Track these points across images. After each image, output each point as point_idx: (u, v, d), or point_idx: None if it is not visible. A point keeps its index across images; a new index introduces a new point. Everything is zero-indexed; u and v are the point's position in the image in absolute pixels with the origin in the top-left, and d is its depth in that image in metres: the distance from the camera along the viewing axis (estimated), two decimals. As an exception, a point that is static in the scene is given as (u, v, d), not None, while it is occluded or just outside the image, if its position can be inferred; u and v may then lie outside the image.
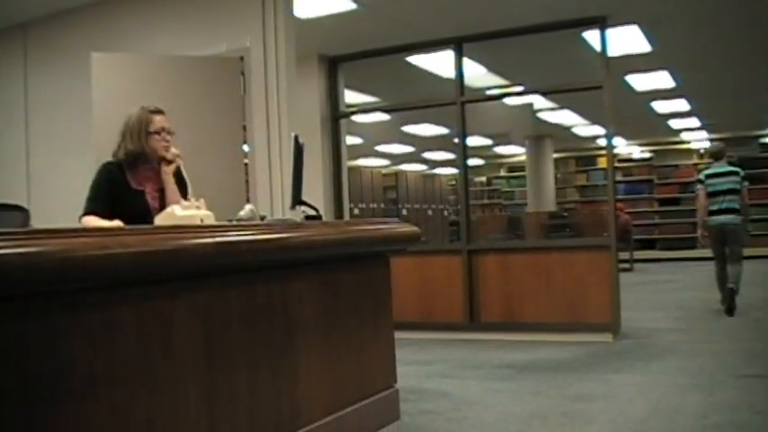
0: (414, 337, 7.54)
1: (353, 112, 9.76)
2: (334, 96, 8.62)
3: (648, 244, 18.40)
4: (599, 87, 7.38)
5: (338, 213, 8.54)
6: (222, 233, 2.99)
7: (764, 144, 18.04)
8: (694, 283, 12.64)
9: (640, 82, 10.78)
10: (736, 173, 8.78)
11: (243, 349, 3.15)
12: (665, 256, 18.08)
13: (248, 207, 3.77)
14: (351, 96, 9.96)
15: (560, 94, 11.47)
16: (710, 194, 8.77)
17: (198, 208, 3.51)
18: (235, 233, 3.05)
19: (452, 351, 7.02)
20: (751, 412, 4.36)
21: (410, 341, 7.29)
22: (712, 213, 8.79)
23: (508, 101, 11.53)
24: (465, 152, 8.14)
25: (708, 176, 8.86)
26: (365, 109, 10.92)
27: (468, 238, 7.97)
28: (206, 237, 2.88)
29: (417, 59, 8.82)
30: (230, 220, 3.53)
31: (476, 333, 7.63)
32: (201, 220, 3.38)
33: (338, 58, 8.58)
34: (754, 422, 4.17)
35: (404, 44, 8.20)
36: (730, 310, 8.47)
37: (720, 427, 4.08)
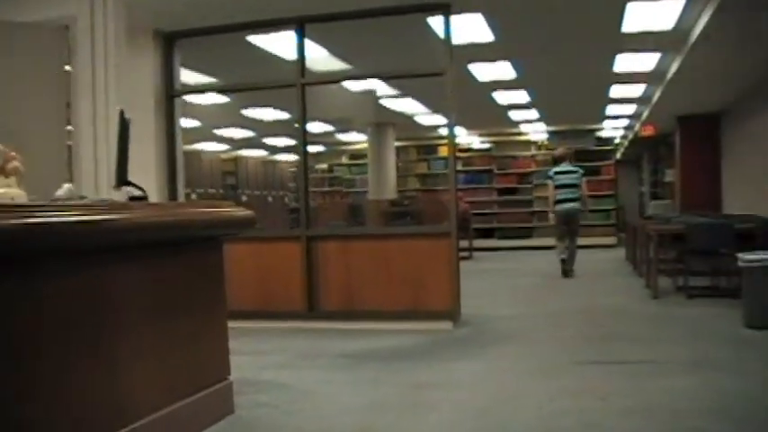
0: (252, 327, 7.34)
1: (189, 92, 9.42)
2: (169, 74, 8.25)
3: (488, 233, 18.72)
4: (441, 74, 7.37)
5: (172, 197, 8.19)
6: (32, 214, 2.71)
7: (600, 138, 18.90)
8: (532, 270, 13.04)
9: (483, 72, 10.91)
10: (576, 171, 11.59)
11: (56, 343, 2.89)
12: (504, 244, 18.47)
13: (66, 186, 3.48)
14: (189, 76, 9.61)
15: (403, 82, 11.57)
16: (557, 187, 11.44)
17: (9, 186, 3.19)
18: (47, 213, 2.77)
19: (291, 341, 6.87)
20: (593, 398, 4.44)
21: (248, 330, 7.10)
22: (558, 202, 11.45)
23: (351, 87, 11.45)
24: (305, 136, 8.00)
25: (556, 173, 11.55)
26: (202, 89, 10.56)
27: (308, 224, 7.78)
28: (14, 217, 2.61)
29: (258, 39, 8.58)
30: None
31: (315, 322, 7.51)
32: (12, 200, 3.08)
33: (175, 33, 8.21)
34: (596, 408, 4.24)
35: (245, 22, 7.92)
36: (566, 273, 11.39)
37: (564, 413, 4.13)
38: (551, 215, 12.28)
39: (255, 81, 8.84)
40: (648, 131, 17.03)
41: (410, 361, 5.75)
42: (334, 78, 9.63)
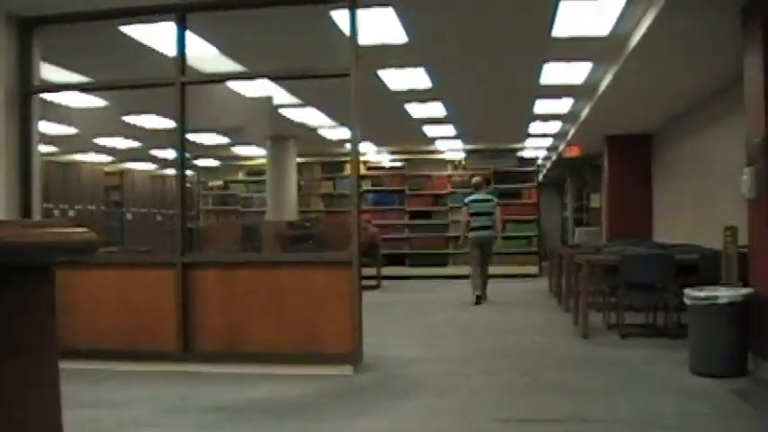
0: (117, 370, 6.72)
1: (50, 89, 8.59)
2: (25, 66, 7.47)
3: (398, 259, 18.32)
4: (346, 75, 6.78)
5: (25, 213, 7.36)
6: None
7: (522, 158, 18.68)
8: (447, 302, 12.65)
9: (395, 79, 10.43)
10: (491, 200, 12.49)
11: None
12: (416, 273, 18.13)
13: None
14: (54, 73, 8.82)
15: (305, 90, 11.07)
16: (472, 214, 12.29)
17: None
18: None
19: (160, 387, 6.16)
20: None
21: (112, 374, 6.54)
22: (473, 229, 12.27)
23: (246, 92, 10.78)
24: (183, 143, 7.30)
25: (471, 201, 12.45)
26: (66, 85, 9.56)
27: (184, 249, 7.04)
28: None
29: (135, 31, 7.84)
30: None
31: (191, 364, 6.87)
32: None
33: (33, 19, 7.44)
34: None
35: (117, 8, 7.19)
36: (479, 300, 12.08)
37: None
38: (461, 241, 12.97)
39: (129, 78, 8.02)
40: (574, 152, 16.86)
41: (295, 417, 5.11)
42: (219, 78, 8.88)
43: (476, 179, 13.13)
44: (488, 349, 7.91)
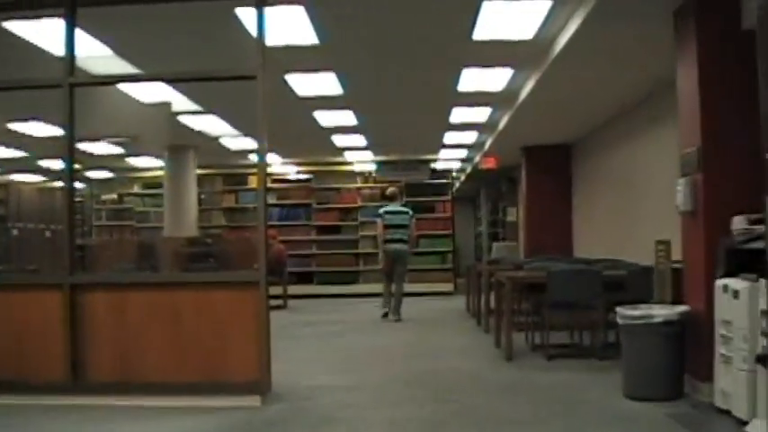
0: None
1: None
2: None
3: (305, 277, 18.13)
4: (252, 78, 6.49)
5: None
6: None
7: (435, 170, 18.55)
8: (359, 323, 12.46)
9: (303, 84, 10.17)
10: (406, 212, 12.83)
11: None
12: (325, 291, 17.93)
13: None
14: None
15: (206, 96, 10.76)
16: (386, 227, 12.57)
17: None
18: None
19: (43, 423, 5.80)
20: None
21: None
22: (387, 242, 12.57)
23: (142, 97, 10.36)
24: (72, 151, 6.85)
25: (386, 212, 12.71)
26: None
27: (73, 269, 6.62)
28: None
29: (19, 27, 7.36)
30: None
31: (81, 397, 6.48)
32: None
33: None
34: None
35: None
36: (386, 315, 12.54)
37: None
38: (381, 256, 12.84)
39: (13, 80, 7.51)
40: (489, 164, 16.88)
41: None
42: (112, 79, 8.44)
43: (391, 189, 13.36)
44: (407, 375, 7.66)
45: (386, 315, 12.56)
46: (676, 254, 6.72)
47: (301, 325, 12.28)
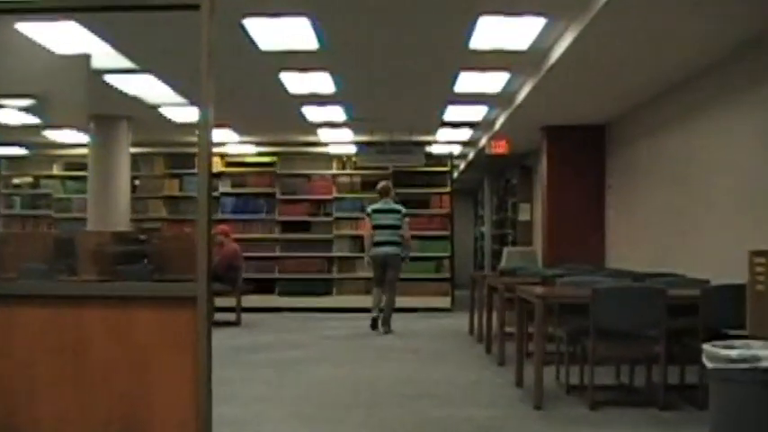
0: None
1: None
2: None
3: (266, 286, 17.74)
4: (194, 7, 5.49)
5: None
6: None
7: (431, 155, 18.16)
8: (334, 348, 11.86)
9: (267, 34, 9.59)
10: (398, 210, 13.36)
11: None
12: (290, 304, 17.59)
13: None
14: None
15: (139, 46, 10.16)
16: (375, 227, 13.17)
17: None
18: None
19: None
20: None
21: None
22: (377, 245, 13.16)
23: (53, 45, 9.68)
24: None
25: (374, 211, 13.32)
26: None
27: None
28: None
29: None
30: None
31: None
32: None
33: None
34: None
35: None
36: (374, 326, 13.17)
37: None
38: (366, 260, 13.59)
39: None
40: (500, 148, 16.55)
41: None
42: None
43: (382, 183, 13.80)
44: (401, 428, 6.81)
45: (374, 324, 13.12)
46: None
47: (257, 348, 11.66)
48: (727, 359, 5.21)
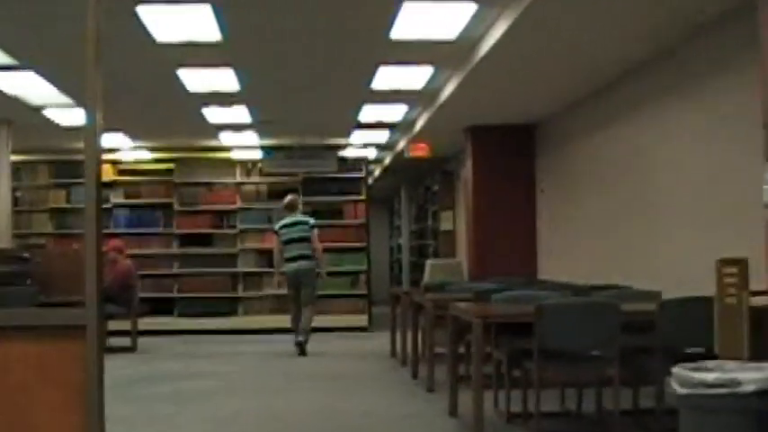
0: None
1: None
2: None
3: (164, 306, 17.58)
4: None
5: None
6: None
7: (345, 159, 18.13)
8: (242, 377, 11.52)
9: (163, 24, 9.20)
10: (305, 222, 13.77)
11: None
12: (191, 325, 17.36)
13: None
14: None
15: (18, 39, 9.76)
16: (285, 243, 13.56)
17: None
18: None
19: None
20: None
21: None
22: (288, 260, 13.50)
23: None
24: None
25: (282, 227, 13.71)
26: None
27: None
28: None
29: None
30: None
31: None
32: None
33: None
34: None
35: None
36: (303, 353, 13.20)
37: None
38: (276, 279, 14.24)
39: None
40: (420, 151, 16.51)
41: None
42: None
43: (290, 197, 14.21)
44: None
45: (302, 349, 13.20)
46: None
47: (155, 379, 11.32)
48: (702, 383, 4.92)
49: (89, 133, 5.25)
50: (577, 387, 8.21)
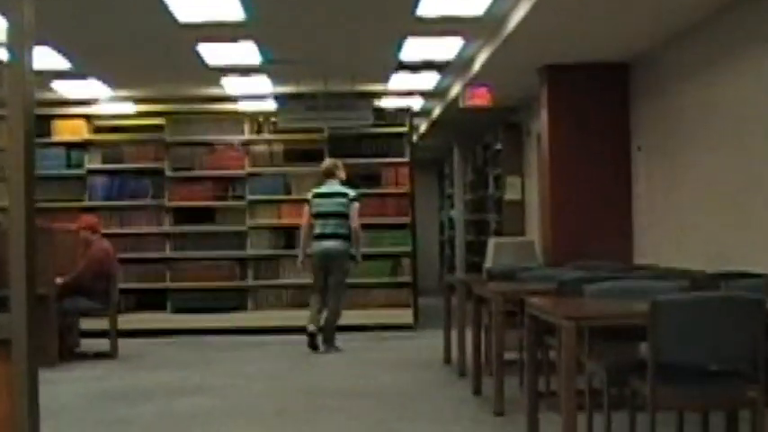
0: None
1: None
2: None
3: (153, 299, 17.63)
4: None
5: None
6: None
7: (382, 111, 17.88)
8: (247, 395, 11.01)
9: None
10: (344, 194, 13.86)
11: None
12: (186, 323, 17.24)
13: None
14: None
15: None
16: (315, 216, 13.79)
17: None
18: None
19: None
20: None
21: None
22: (317, 238, 13.74)
23: None
24: None
25: (315, 195, 13.96)
26: None
27: None
28: None
29: None
30: None
31: None
32: None
33: None
34: None
35: None
36: (313, 345, 13.56)
37: None
38: (300, 260, 14.19)
39: None
40: (480, 99, 16.08)
41: None
42: None
43: (327, 162, 14.47)
44: None
45: (313, 341, 13.49)
46: None
47: (138, 396, 10.94)
48: None
49: (15, 44, 4.70)
50: (704, 412, 7.78)
